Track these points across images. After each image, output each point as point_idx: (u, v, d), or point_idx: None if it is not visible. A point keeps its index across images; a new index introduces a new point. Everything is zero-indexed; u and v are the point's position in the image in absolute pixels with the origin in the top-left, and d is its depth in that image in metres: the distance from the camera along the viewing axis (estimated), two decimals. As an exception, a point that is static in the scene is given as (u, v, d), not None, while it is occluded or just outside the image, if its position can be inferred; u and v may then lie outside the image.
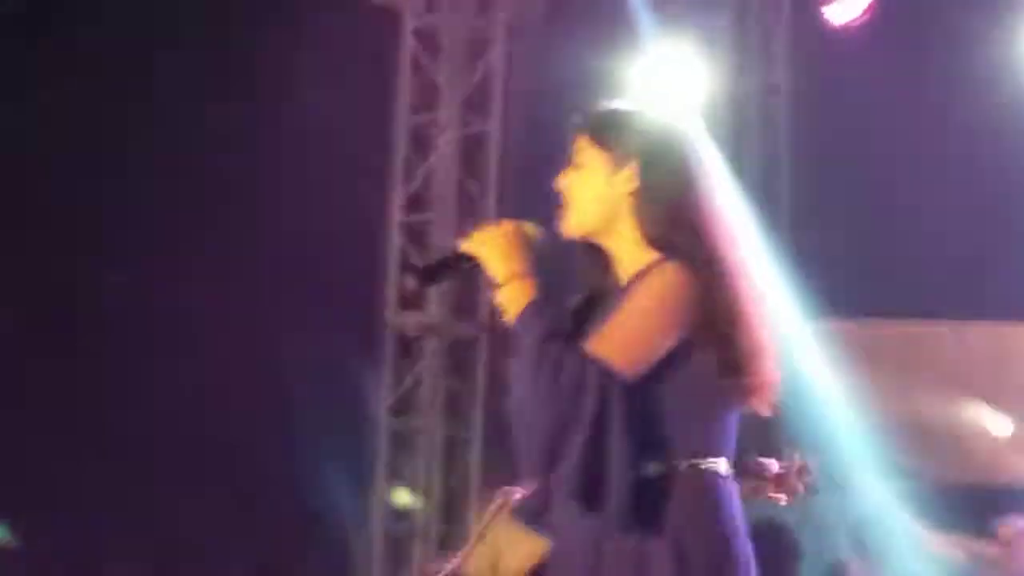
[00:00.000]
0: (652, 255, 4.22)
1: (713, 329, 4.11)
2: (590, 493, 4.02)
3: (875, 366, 11.48)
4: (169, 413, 13.47)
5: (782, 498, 5.79)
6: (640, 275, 4.26)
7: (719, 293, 4.13)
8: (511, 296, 4.12)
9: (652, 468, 4.06)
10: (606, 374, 3.97)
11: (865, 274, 11.89)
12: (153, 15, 14.38)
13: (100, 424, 13.75)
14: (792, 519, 10.14)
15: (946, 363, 12.00)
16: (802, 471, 5.89)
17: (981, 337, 11.91)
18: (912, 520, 11.15)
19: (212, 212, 13.53)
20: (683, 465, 4.08)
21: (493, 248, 4.18)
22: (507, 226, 4.17)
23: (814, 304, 11.53)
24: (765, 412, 4.22)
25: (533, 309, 4.07)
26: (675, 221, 4.21)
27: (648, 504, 4.03)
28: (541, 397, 4.04)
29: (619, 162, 4.20)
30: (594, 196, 4.26)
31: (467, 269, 4.25)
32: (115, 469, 13.60)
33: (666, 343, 4.05)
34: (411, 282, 4.51)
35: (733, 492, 4.21)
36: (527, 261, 4.16)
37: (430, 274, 4.38)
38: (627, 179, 4.18)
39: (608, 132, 4.25)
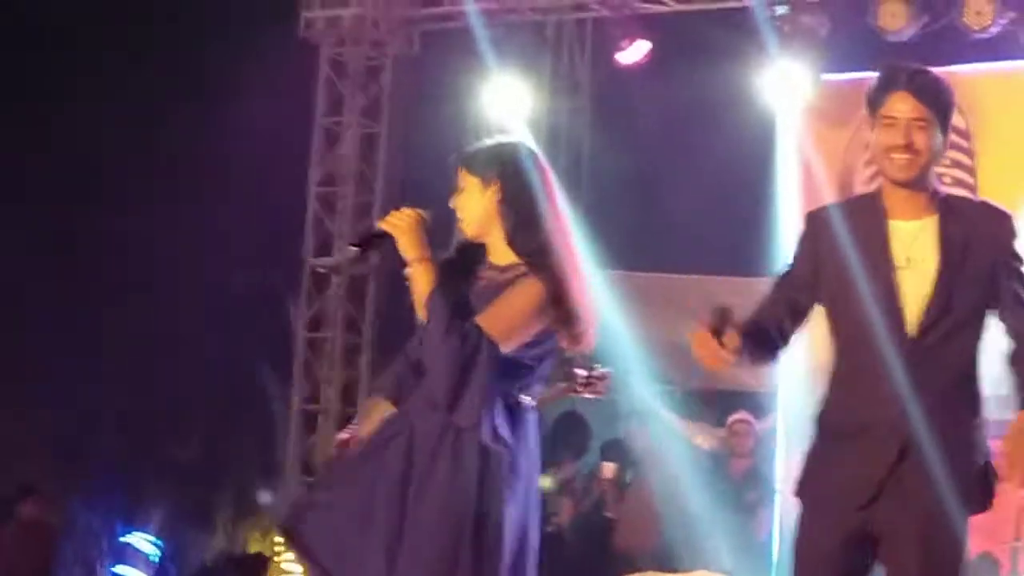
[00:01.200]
0: (510, 251, 4.87)
1: (560, 315, 4.77)
2: (471, 412, 4.68)
3: (645, 306, 12.11)
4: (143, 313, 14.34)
5: (586, 395, 7.48)
6: (508, 269, 4.90)
7: (563, 290, 4.76)
8: (418, 274, 4.78)
9: (522, 400, 4.85)
10: (492, 345, 4.66)
11: (641, 243, 12.99)
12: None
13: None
14: (589, 410, 11.12)
15: (693, 305, 11.51)
16: (601, 377, 7.40)
17: (717, 286, 11.80)
18: (671, 414, 12.04)
19: (180, 187, 14.59)
20: (515, 399, 4.81)
21: (403, 231, 4.82)
22: (411, 213, 4.87)
23: (603, 260, 11.44)
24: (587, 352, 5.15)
25: (440, 292, 4.72)
26: (528, 223, 4.84)
27: (500, 421, 4.76)
28: (450, 356, 4.67)
29: (486, 184, 4.88)
30: (473, 209, 4.92)
31: (384, 243, 4.90)
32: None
33: (529, 332, 4.76)
34: (349, 251, 5.49)
35: (533, 418, 4.91)
36: (426, 244, 4.83)
37: (362, 244, 5.18)
38: (492, 195, 4.87)
39: (476, 163, 4.95)
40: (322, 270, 13.01)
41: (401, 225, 4.77)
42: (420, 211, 4.84)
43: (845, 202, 5.00)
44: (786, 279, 4.78)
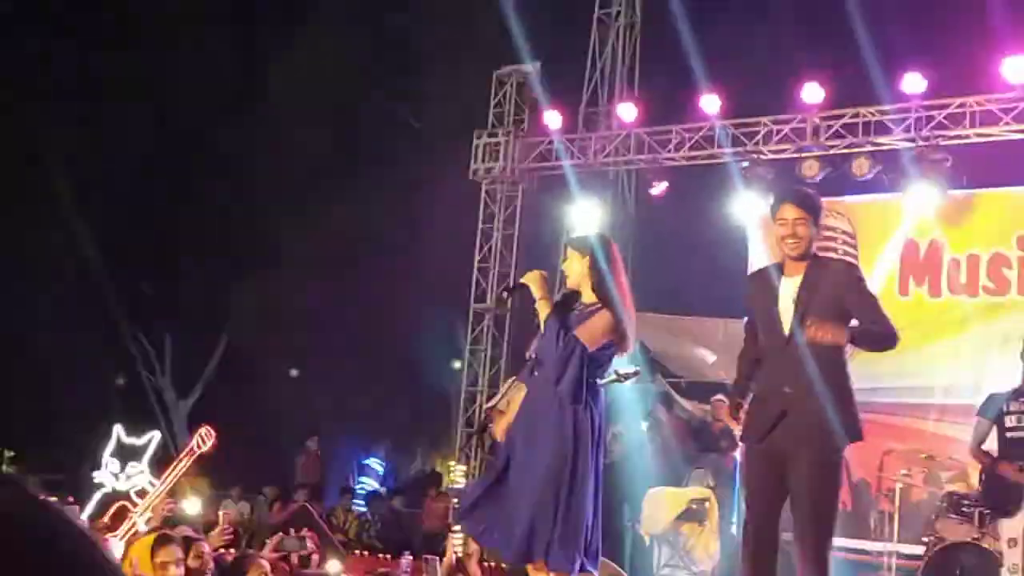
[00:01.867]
0: (594, 295, 4.77)
1: (618, 332, 4.70)
2: (570, 387, 4.61)
3: (668, 333, 12.16)
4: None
5: (627, 383, 7.09)
6: (592, 306, 4.75)
7: (619, 319, 4.69)
8: (541, 307, 4.72)
9: (597, 381, 4.76)
10: (582, 346, 4.61)
11: (669, 297, 12.23)
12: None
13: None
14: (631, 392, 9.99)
15: (695, 333, 12.12)
16: (636, 373, 6.28)
17: (711, 323, 11.73)
18: (679, 396, 11.87)
19: (398, 270, 14.53)
20: (594, 381, 4.74)
21: (532, 281, 4.79)
22: (538, 272, 4.86)
23: (649, 305, 11.51)
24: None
25: (553, 315, 4.68)
26: (603, 280, 4.74)
27: (585, 394, 4.66)
28: (558, 351, 4.60)
29: (583, 255, 4.79)
30: (574, 270, 4.82)
31: (522, 290, 4.82)
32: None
33: (602, 341, 4.67)
34: (502, 296, 5.40)
35: (603, 392, 4.81)
36: (546, 289, 4.79)
37: (508, 291, 5.30)
38: (586, 263, 4.78)
39: (578, 243, 4.92)
40: (479, 311, 12.81)
41: (532, 277, 4.81)
42: (542, 271, 4.90)
43: (764, 268, 4.84)
44: (750, 323, 4.77)
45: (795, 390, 4.46)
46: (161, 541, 4.92)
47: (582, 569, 4.65)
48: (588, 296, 4.81)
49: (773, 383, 4.54)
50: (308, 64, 14.47)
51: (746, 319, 4.85)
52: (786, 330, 4.47)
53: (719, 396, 10.49)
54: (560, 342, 4.59)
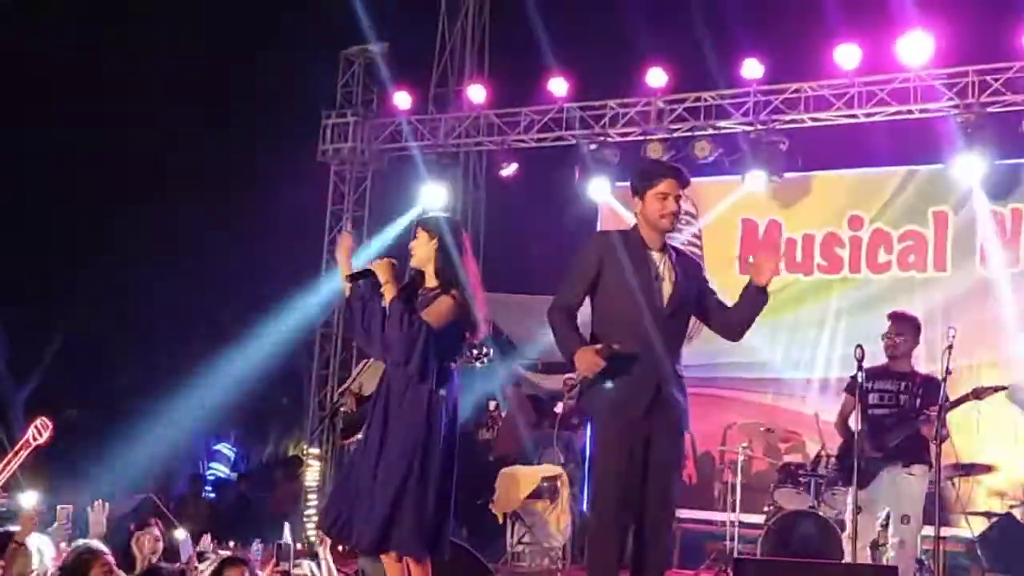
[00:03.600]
0: (436, 279, 4.77)
1: (468, 319, 4.74)
2: (418, 367, 4.58)
3: (521, 314, 11.78)
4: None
5: (477, 365, 6.59)
6: (434, 290, 4.76)
7: (467, 302, 4.71)
8: (387, 291, 4.65)
9: (449, 364, 4.73)
10: (428, 327, 4.61)
11: (516, 275, 12.30)
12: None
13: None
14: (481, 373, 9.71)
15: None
16: (486, 355, 6.45)
17: None
18: (530, 373, 11.92)
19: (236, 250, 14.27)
20: (448, 364, 4.74)
21: (380, 269, 4.72)
22: (386, 259, 4.76)
23: (497, 285, 11.32)
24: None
25: (398, 299, 4.64)
26: (449, 262, 4.76)
27: (437, 376, 4.63)
28: (403, 333, 4.56)
29: (431, 237, 4.81)
30: (421, 252, 4.81)
31: (367, 275, 4.71)
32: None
33: (446, 322, 4.67)
34: (345, 282, 4.65)
35: (457, 375, 4.76)
36: (393, 275, 4.71)
37: (354, 278, 4.75)
38: (433, 245, 4.80)
39: (429, 224, 4.87)
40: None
41: (380, 265, 4.73)
42: (391, 259, 4.80)
43: (619, 232, 4.71)
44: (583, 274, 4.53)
45: (667, 367, 4.46)
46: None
47: (433, 552, 4.66)
48: (431, 279, 4.79)
49: (646, 357, 4.42)
50: (145, 40, 14.18)
51: (578, 268, 4.53)
52: (667, 304, 4.47)
53: (569, 375, 10.38)
54: (404, 324, 4.55)
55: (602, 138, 11.26)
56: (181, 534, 6.19)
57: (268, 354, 13.30)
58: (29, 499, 5.89)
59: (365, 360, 6.66)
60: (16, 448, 6.02)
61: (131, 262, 14.58)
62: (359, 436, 4.99)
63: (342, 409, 8.09)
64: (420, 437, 4.57)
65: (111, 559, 5.20)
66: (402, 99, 12.10)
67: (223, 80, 15.09)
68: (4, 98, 13.26)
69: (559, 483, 9.13)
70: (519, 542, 9.15)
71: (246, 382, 13.69)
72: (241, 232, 14.59)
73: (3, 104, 13.23)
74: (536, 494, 9.04)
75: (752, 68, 10.46)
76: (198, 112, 14.91)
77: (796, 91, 10.49)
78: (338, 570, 6.37)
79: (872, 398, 6.45)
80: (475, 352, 6.90)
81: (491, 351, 7.23)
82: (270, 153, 14.30)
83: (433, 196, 11.92)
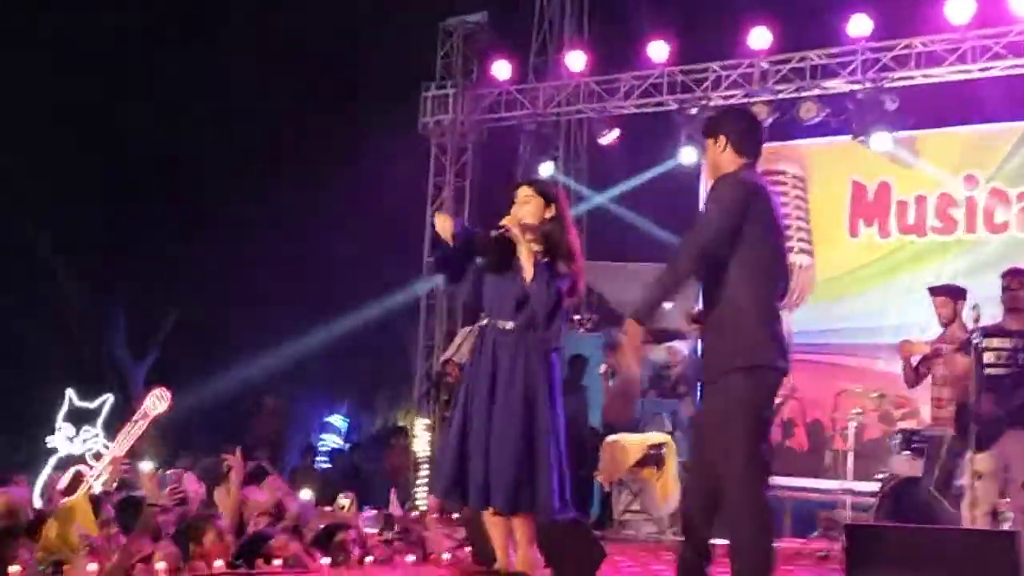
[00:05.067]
0: (541, 243, 4.68)
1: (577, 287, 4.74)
2: (556, 334, 4.66)
3: (626, 281, 11.29)
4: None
5: (580, 328, 7.78)
6: (549, 253, 4.71)
7: (577, 273, 4.72)
8: (525, 251, 4.60)
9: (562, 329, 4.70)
10: (563, 295, 4.65)
11: (618, 242, 12.55)
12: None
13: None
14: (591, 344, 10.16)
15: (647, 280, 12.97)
16: (588, 318, 7.76)
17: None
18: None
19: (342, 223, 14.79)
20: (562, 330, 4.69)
21: (514, 225, 4.63)
22: (515, 218, 4.67)
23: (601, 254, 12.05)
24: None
25: (542, 264, 4.59)
26: (566, 230, 4.75)
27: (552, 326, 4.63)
28: (548, 298, 4.59)
29: (547, 203, 4.76)
30: (533, 214, 4.73)
31: (506, 235, 4.61)
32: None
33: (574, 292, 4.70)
34: (494, 238, 4.53)
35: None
36: (526, 232, 4.65)
37: (499, 236, 4.62)
38: (550, 211, 4.76)
39: (541, 188, 4.82)
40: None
41: (512, 222, 4.63)
42: (517, 216, 4.67)
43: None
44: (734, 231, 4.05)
45: None
46: (98, 500, 5.00)
47: (564, 513, 4.64)
48: (534, 244, 4.69)
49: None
50: (249, 15, 14.38)
51: (728, 223, 3.97)
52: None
53: (673, 344, 10.66)
54: (550, 289, 4.55)
55: (704, 102, 11.18)
56: (307, 493, 6.31)
57: (376, 326, 13.48)
58: (146, 466, 6.16)
59: (468, 328, 6.69)
60: (135, 417, 6.24)
61: (238, 238, 14.89)
62: None
63: (446, 379, 8.24)
64: (546, 399, 4.57)
65: (223, 524, 5.39)
66: (501, 69, 12.11)
67: (325, 55, 15.27)
68: (109, 79, 13.57)
69: (665, 451, 9.12)
70: (626, 510, 9.16)
71: (356, 354, 13.90)
72: (344, 207, 14.78)
73: (108, 86, 13.53)
74: (643, 462, 9.04)
75: (859, 25, 10.30)
76: (301, 88, 15.16)
77: (906, 47, 10.29)
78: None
79: (988, 357, 6.30)
80: (579, 318, 7.05)
81: (594, 317, 7.37)
82: (372, 128, 14.42)
83: (535, 166, 11.96)
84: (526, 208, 4.70)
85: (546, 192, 4.78)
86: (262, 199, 14.83)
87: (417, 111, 12.63)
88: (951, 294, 7.10)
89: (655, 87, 11.44)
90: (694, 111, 11.17)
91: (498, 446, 4.52)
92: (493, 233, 4.67)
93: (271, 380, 14.06)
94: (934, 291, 7.14)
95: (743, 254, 3.91)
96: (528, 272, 4.57)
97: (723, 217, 3.92)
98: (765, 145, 4.32)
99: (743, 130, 4.16)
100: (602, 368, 10.43)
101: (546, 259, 4.66)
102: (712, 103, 11.15)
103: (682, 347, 10.81)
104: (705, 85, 11.18)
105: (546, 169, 11.91)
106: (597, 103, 11.78)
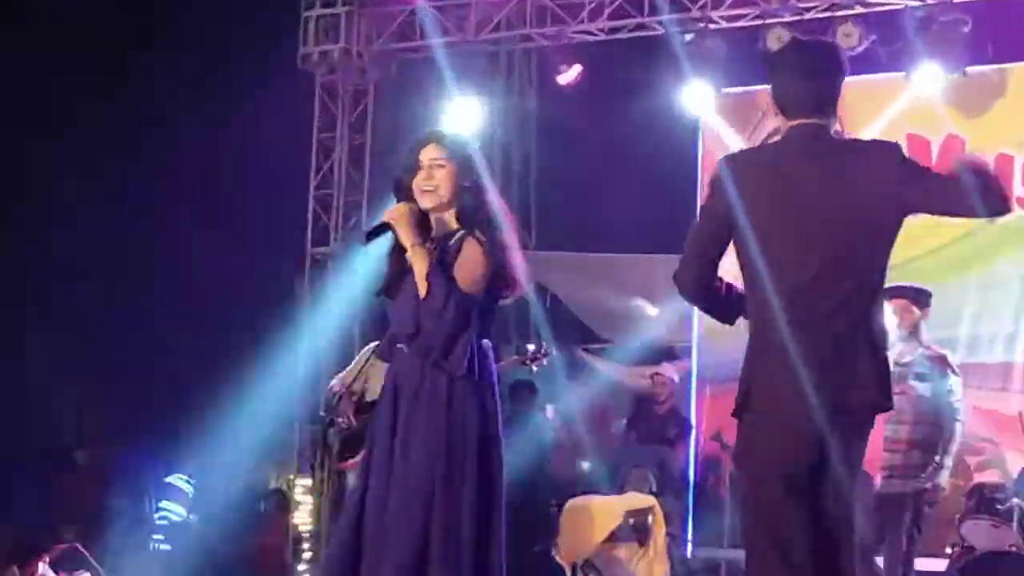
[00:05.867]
0: (459, 224, 4.82)
1: (501, 268, 4.81)
2: (446, 350, 4.71)
3: (592, 280, 12.67)
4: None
5: (534, 367, 7.73)
6: (456, 234, 4.81)
7: (502, 248, 4.81)
8: (416, 257, 4.70)
9: (481, 343, 4.83)
10: (475, 301, 4.75)
11: (586, 230, 13.19)
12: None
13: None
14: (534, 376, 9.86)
15: (628, 278, 12.43)
16: (545, 354, 7.59)
17: (647, 263, 11.91)
18: (608, 362, 12.33)
19: (199, 190, 14.04)
20: (478, 343, 4.80)
21: (399, 222, 4.74)
22: (404, 207, 4.76)
23: (555, 244, 12.83)
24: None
25: (436, 270, 4.69)
26: (480, 199, 4.84)
27: (474, 361, 4.74)
28: (448, 315, 4.68)
29: (456, 163, 4.82)
30: (445, 186, 4.79)
31: (386, 232, 4.77)
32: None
33: (484, 280, 4.77)
34: (361, 238, 4.86)
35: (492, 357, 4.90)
36: (418, 231, 4.74)
37: (368, 236, 4.82)
38: (455, 172, 4.81)
39: (450, 145, 4.88)
40: (320, 256, 12.95)
41: (398, 217, 4.75)
42: (410, 204, 4.79)
43: None
44: None
45: None
46: None
47: None
48: (450, 222, 4.85)
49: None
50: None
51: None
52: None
53: (659, 370, 11.25)
54: (451, 304, 4.66)
55: (702, 24, 11.29)
56: None
57: (237, 344, 13.31)
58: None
59: (370, 345, 6.58)
60: None
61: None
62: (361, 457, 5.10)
63: (339, 420, 7.88)
64: (448, 440, 4.68)
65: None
66: (414, -23, 12.19)
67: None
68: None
69: (651, 519, 9.23)
70: (595, 603, 9.16)
71: (209, 384, 13.57)
72: (183, 182, 14.51)
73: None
74: (617, 535, 9.14)
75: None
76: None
77: (982, -54, 10.44)
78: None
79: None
80: (530, 353, 7.57)
81: (550, 349, 7.71)
82: (230, 64, 14.18)
83: (462, 116, 12.05)
84: (435, 180, 4.80)
85: (453, 148, 4.88)
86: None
87: (295, 39, 12.76)
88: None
89: (633, 4, 11.56)
90: (689, 38, 11.29)
91: (391, 535, 4.64)
92: (367, 230, 4.93)
93: (84, 423, 14.02)
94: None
95: None
96: (421, 287, 4.72)
97: None
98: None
99: None
100: (550, 412, 10.70)
101: (459, 237, 4.80)
102: (714, 26, 11.32)
103: (672, 372, 11.21)
104: (703, 1, 11.28)
105: (474, 121, 12.01)
106: (551, 26, 11.91)
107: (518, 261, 4.87)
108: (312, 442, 11.79)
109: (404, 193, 4.84)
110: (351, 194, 12.95)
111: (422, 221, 4.81)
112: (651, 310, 12.43)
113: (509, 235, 4.87)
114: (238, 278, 13.17)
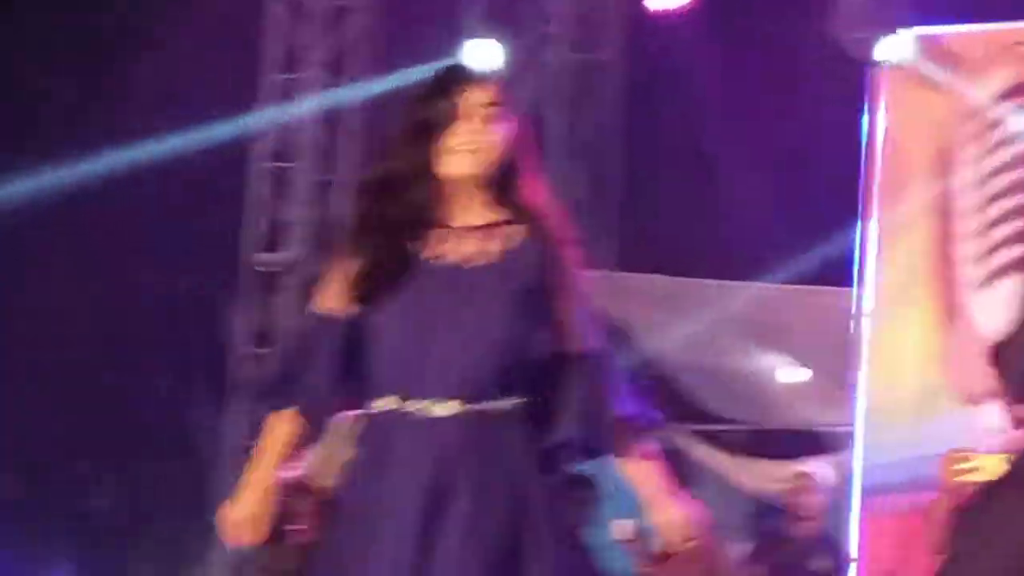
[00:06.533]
0: (503, 206, 4.61)
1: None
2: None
3: (700, 323, 12.37)
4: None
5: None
6: (501, 225, 4.60)
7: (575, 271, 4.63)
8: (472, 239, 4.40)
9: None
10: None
11: (689, 243, 12.98)
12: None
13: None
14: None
15: (752, 318, 12.48)
16: None
17: (778, 297, 12.21)
18: (718, 453, 12.38)
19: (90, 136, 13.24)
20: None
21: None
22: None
23: (641, 260, 12.90)
24: None
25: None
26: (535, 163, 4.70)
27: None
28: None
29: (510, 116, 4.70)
30: (494, 149, 4.62)
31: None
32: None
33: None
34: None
35: None
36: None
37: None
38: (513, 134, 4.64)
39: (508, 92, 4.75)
40: (265, 269, 12.77)
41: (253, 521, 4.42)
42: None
43: None
44: None
45: None
46: None
47: None
48: (488, 209, 4.44)
49: None
50: None
51: None
52: None
53: (803, 470, 11.19)
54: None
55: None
56: None
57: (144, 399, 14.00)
58: None
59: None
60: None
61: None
62: None
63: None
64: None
65: None
66: None
67: None
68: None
69: None
70: None
71: (105, 459, 14.61)
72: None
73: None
74: None
75: None
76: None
77: None
78: None
79: None
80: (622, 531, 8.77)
81: (639, 521, 8.13)
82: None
83: (479, 50, 12.11)
84: (489, 135, 4.45)
85: (510, 100, 4.58)
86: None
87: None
88: None
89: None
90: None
91: None
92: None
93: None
94: None
95: None
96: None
97: None
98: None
99: None
100: (622, 527, 10.62)
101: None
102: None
103: (826, 472, 11.18)
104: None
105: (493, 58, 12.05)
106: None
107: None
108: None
109: (409, 161, 4.39)
110: (320, 171, 12.82)
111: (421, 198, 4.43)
112: (798, 371, 12.56)
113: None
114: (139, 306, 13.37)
